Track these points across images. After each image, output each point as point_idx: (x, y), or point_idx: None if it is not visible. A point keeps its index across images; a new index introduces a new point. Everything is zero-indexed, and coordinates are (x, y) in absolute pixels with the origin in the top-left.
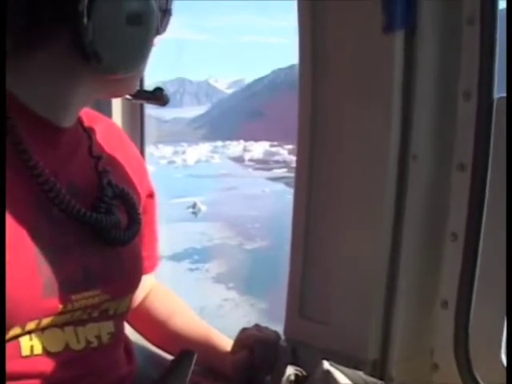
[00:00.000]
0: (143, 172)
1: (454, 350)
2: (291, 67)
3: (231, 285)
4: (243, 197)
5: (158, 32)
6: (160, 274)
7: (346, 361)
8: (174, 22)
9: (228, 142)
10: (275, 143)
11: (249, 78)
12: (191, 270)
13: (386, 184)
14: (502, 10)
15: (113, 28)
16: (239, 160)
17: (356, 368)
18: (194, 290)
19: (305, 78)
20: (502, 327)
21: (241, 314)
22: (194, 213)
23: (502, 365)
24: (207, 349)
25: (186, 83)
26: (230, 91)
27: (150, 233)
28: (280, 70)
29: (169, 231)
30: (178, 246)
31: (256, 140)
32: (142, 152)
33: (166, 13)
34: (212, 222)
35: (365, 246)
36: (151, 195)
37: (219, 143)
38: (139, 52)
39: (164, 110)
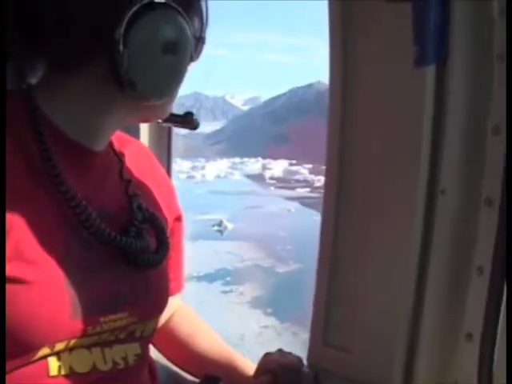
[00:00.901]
0: (172, 195)
1: (478, 383)
2: (309, 86)
3: (269, 310)
4: (268, 215)
5: (192, 59)
6: (193, 296)
7: None
8: None
9: (246, 159)
10: (294, 162)
11: (265, 96)
12: (225, 292)
13: (414, 216)
14: None
15: (148, 56)
16: (259, 177)
17: None
18: (231, 315)
19: (334, 105)
20: None
21: (283, 342)
22: (220, 231)
23: None
24: (230, 372)
25: (202, 98)
26: (245, 108)
27: (177, 255)
28: (298, 88)
29: (197, 250)
30: (209, 266)
31: (274, 158)
32: (169, 170)
33: (200, 40)
34: (240, 241)
35: (391, 276)
36: (179, 218)
37: (237, 160)
38: (174, 80)
39: None
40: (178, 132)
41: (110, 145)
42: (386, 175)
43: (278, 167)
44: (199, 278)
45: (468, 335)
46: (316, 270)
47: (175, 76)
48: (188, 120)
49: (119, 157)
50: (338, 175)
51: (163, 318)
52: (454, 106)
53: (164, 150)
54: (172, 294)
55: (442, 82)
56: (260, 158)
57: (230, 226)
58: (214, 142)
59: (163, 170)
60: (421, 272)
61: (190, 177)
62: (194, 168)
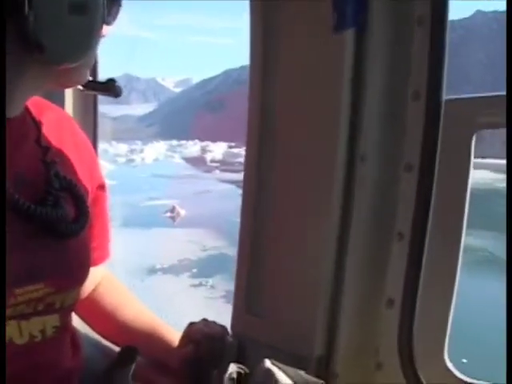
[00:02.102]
0: (94, 163)
1: (399, 349)
2: (244, 67)
3: None
4: (219, 200)
5: (106, 21)
6: (162, 290)
7: (292, 357)
8: (122, 19)
9: (183, 142)
10: (233, 144)
11: (196, 78)
12: (195, 286)
13: (334, 184)
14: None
15: (55, 17)
16: (200, 160)
17: (299, 366)
18: (207, 312)
19: (255, 78)
20: (446, 327)
21: None
22: (173, 217)
23: (445, 365)
24: (154, 341)
25: (133, 80)
26: (177, 90)
27: (101, 224)
28: (232, 70)
29: (153, 238)
30: (171, 257)
31: (213, 140)
32: (95, 148)
33: (114, 2)
34: (196, 228)
35: (311, 244)
36: (102, 186)
37: (174, 142)
38: (84, 42)
39: (111, 106)
40: (106, 114)
41: (27, 111)
42: (306, 144)
43: (218, 150)
44: (164, 271)
45: (389, 301)
46: (238, 241)
47: (85, 38)
48: (110, 87)
49: (36, 123)
50: (259, 146)
51: (88, 289)
52: (373, 71)
53: (90, 129)
54: (95, 264)
55: (361, 47)
56: (197, 140)
57: (182, 212)
58: (148, 124)
59: (85, 138)
60: (341, 238)
61: (130, 160)
62: (132, 151)
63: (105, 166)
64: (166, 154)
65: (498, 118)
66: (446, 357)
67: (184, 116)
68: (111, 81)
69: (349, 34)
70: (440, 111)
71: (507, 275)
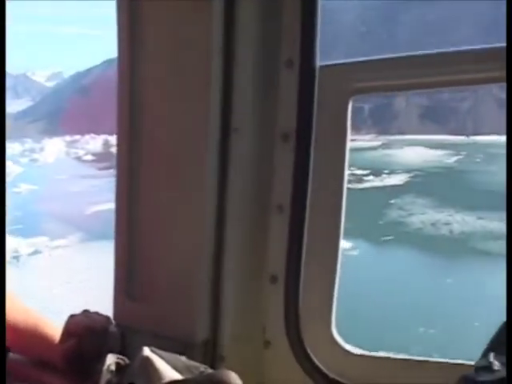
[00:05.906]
0: None
1: (285, 325)
2: None
3: None
4: None
5: None
6: None
7: (177, 343)
8: None
9: (78, 137)
10: None
11: (68, 71)
12: None
13: (208, 158)
14: None
15: None
16: (110, 156)
17: (186, 352)
18: None
19: (123, 65)
20: (332, 301)
21: None
22: None
23: (333, 339)
24: (35, 339)
25: None
26: (49, 84)
27: None
28: (111, 60)
29: None
30: None
31: (110, 133)
32: None
33: None
34: None
35: (188, 225)
36: None
37: (68, 138)
38: None
39: None
40: None
41: None
42: (179, 121)
43: None
44: None
45: (272, 277)
46: (114, 229)
47: None
48: None
49: None
50: (130, 121)
51: None
52: (243, 42)
53: None
54: None
55: (231, 14)
56: (93, 134)
57: None
58: (31, 121)
59: None
60: (219, 216)
61: (33, 160)
62: (32, 150)
63: (12, 168)
64: (68, 151)
65: (375, 83)
66: (333, 330)
67: (67, 109)
68: None
69: (217, 5)
70: (314, 77)
71: (507, 275)
